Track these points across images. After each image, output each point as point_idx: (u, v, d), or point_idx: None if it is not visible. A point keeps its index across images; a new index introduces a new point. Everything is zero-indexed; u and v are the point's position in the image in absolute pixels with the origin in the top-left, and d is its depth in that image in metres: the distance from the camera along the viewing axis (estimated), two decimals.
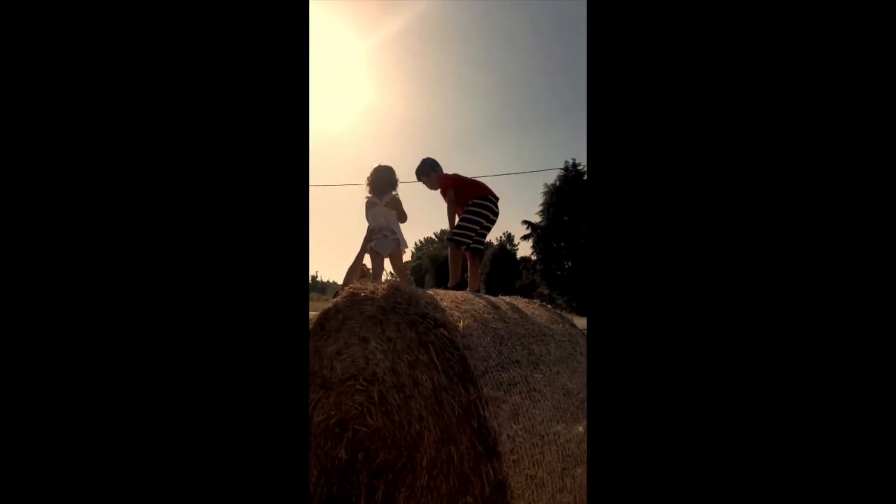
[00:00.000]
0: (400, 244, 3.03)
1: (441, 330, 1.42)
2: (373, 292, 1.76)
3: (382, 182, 3.03)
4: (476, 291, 2.92)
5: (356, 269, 3.01)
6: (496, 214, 3.06)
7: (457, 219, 3.04)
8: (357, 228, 3.11)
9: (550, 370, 1.67)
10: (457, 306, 1.80)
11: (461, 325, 1.51)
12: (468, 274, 3.13)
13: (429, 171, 3.18)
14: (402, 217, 3.04)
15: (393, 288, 1.70)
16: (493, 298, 2.29)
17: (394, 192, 3.03)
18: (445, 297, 1.96)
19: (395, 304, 1.65)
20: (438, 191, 3.14)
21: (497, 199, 3.07)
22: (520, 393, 1.43)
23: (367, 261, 3.04)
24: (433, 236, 40.28)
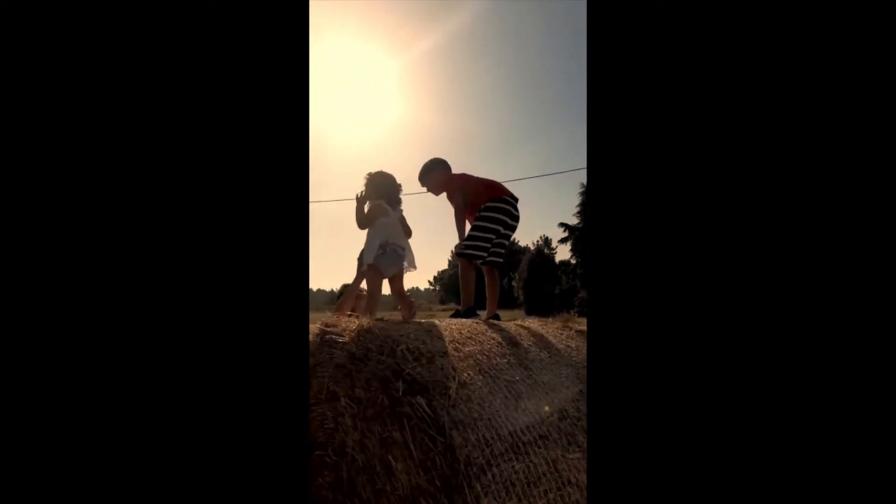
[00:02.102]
0: (409, 264, 2.56)
1: (419, 399, 0.95)
2: (342, 333, 1.31)
3: (393, 190, 2.55)
4: (495, 317, 2.39)
5: (351, 299, 2.51)
6: (516, 219, 2.43)
7: (468, 227, 2.49)
8: None
9: None
10: (457, 349, 1.32)
11: (453, 385, 1.02)
12: (487, 293, 2.58)
13: (430, 171, 2.55)
14: (409, 233, 2.58)
15: (365, 329, 1.24)
16: (512, 328, 1.78)
17: (401, 207, 2.56)
18: (445, 333, 1.48)
19: (366, 352, 1.19)
20: (445, 196, 2.60)
21: (516, 199, 2.43)
22: (546, 494, 0.92)
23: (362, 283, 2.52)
24: None
